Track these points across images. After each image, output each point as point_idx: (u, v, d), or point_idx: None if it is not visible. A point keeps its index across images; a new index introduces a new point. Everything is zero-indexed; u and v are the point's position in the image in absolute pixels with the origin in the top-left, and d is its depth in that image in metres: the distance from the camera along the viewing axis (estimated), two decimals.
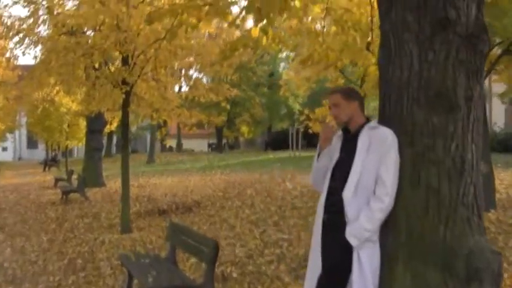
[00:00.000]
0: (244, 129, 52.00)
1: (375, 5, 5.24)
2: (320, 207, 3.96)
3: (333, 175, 3.92)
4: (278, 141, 43.86)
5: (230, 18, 5.03)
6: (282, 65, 49.78)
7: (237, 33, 15.31)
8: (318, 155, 4.07)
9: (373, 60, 6.26)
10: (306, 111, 20.47)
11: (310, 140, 39.38)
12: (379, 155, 3.76)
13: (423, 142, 3.84)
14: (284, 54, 45.20)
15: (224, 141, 56.51)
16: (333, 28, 6.43)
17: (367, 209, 3.73)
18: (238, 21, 5.38)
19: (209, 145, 62.49)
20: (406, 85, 3.92)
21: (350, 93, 4.00)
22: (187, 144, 61.33)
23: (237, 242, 9.67)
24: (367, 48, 6.57)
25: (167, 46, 10.42)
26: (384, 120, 3.99)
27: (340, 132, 4.05)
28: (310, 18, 6.59)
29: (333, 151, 4.01)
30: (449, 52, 3.85)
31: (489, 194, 10.93)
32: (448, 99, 3.83)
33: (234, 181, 19.82)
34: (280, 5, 4.30)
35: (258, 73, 46.55)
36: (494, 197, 11.18)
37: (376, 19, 6.33)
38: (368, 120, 3.97)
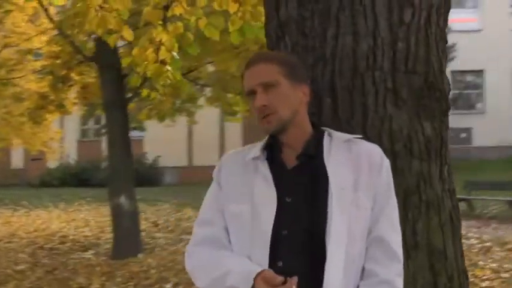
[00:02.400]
0: None
1: None
2: None
3: (276, 244, 1.79)
4: None
5: None
6: None
7: None
8: None
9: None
10: None
11: None
12: (372, 197, 1.84)
13: (414, 168, 2.10)
14: None
15: None
16: None
17: None
18: None
19: None
20: (369, 66, 2.12)
21: (296, 69, 1.94)
22: None
23: None
24: None
25: None
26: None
27: (254, 152, 1.94)
28: None
29: (235, 194, 1.89)
30: (430, 13, 2.24)
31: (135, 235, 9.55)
32: (442, 93, 2.20)
33: None
34: None
35: None
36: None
37: None
38: (317, 127, 1.97)
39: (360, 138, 1.89)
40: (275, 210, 1.78)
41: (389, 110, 2.10)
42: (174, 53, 3.89)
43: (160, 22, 3.76)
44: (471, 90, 25.62)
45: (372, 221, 1.81)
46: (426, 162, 2.12)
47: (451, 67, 21.46)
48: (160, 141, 23.91)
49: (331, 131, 1.92)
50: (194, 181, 22.21)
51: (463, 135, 24.17)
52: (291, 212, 1.79)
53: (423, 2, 2.20)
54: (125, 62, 4.10)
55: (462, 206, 12.67)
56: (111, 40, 3.99)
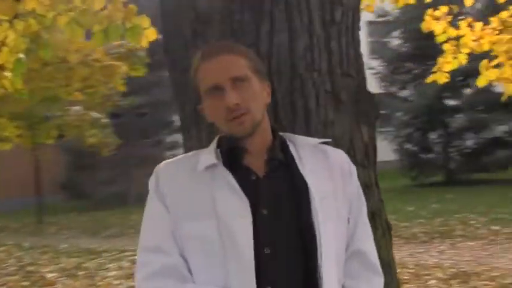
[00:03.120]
0: None
1: None
2: None
3: (258, 266, 1.49)
4: None
5: None
6: None
7: None
8: None
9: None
10: None
11: None
12: (347, 207, 1.65)
13: (359, 175, 1.96)
14: None
15: None
16: None
17: None
18: None
19: None
20: (308, 66, 1.95)
21: (261, 64, 1.67)
22: None
23: None
24: None
25: None
26: None
27: (208, 159, 1.61)
28: None
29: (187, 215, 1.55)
30: (355, 14, 2.15)
31: None
32: (371, 97, 2.11)
33: None
34: None
35: None
36: None
37: None
38: (274, 132, 1.72)
39: (325, 142, 1.70)
40: (251, 224, 1.49)
41: (330, 115, 1.94)
42: (21, 55, 3.19)
43: (7, 18, 3.08)
44: None
45: (349, 233, 1.64)
46: (367, 170, 2.01)
47: None
48: None
49: (290, 135, 1.70)
50: None
51: None
52: (270, 227, 1.51)
53: (350, 2, 2.09)
54: None
55: None
56: None
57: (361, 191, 1.71)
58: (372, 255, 1.66)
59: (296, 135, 1.70)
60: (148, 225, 1.58)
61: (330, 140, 1.72)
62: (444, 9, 4.89)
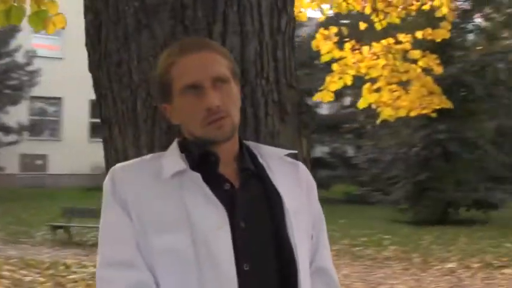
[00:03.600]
0: None
1: None
2: None
3: (241, 286, 1.37)
4: None
5: None
6: None
7: None
8: None
9: None
10: None
11: None
12: (311, 223, 1.60)
13: None
14: None
15: None
16: None
17: None
18: None
19: None
20: (258, 73, 1.88)
21: (237, 66, 1.56)
22: None
23: None
24: None
25: None
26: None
27: (177, 165, 1.45)
28: None
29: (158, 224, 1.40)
30: (294, 26, 2.12)
31: None
32: (310, 110, 2.08)
33: None
34: None
35: None
36: None
37: None
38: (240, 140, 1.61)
39: (291, 154, 1.65)
40: (230, 234, 1.38)
41: (277, 125, 1.88)
42: None
43: None
44: (49, 117, 25.13)
45: (312, 249, 1.59)
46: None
47: (32, 93, 21.05)
48: None
49: (254, 143, 1.63)
50: None
51: (39, 162, 23.71)
52: (249, 241, 1.41)
53: (292, 12, 2.06)
54: None
55: (61, 233, 12.33)
56: None
57: (320, 207, 1.67)
58: (334, 273, 1.64)
59: (260, 145, 1.63)
60: (110, 236, 1.39)
61: (296, 152, 1.67)
62: (334, 29, 5.10)
